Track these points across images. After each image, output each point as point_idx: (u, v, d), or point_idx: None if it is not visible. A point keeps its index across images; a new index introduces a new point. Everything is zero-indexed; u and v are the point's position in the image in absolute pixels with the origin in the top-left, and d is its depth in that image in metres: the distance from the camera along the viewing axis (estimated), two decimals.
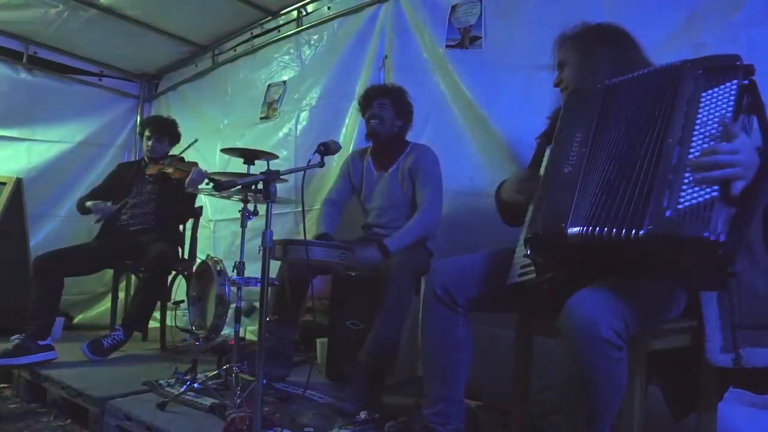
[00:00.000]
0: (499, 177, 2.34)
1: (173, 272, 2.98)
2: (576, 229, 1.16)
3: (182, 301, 2.56)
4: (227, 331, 2.36)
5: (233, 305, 2.11)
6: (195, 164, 2.89)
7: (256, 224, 2.18)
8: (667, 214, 1.03)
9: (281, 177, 1.56)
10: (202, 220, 3.32)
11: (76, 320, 3.80)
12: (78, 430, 2.05)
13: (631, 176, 1.14)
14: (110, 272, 3.40)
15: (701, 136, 1.07)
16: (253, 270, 2.09)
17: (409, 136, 2.51)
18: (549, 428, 1.77)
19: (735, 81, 1.09)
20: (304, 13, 3.48)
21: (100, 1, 3.40)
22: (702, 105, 1.10)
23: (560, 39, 1.57)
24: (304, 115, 3.30)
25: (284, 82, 3.49)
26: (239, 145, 3.51)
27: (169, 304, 2.96)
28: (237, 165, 2.60)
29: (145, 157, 3.14)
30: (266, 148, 2.78)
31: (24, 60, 3.81)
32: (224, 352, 2.39)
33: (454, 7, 2.66)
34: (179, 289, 3.03)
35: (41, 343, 2.44)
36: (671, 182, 1.06)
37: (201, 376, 2.07)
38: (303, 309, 2.53)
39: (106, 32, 3.71)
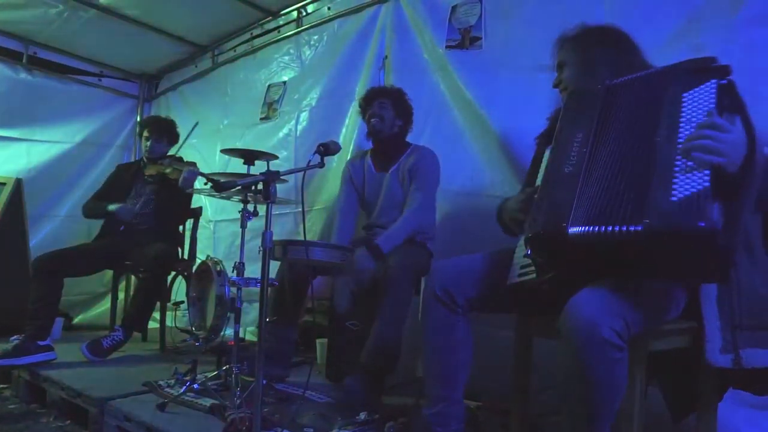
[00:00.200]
0: (499, 177, 2.37)
1: (173, 273, 2.98)
2: (577, 229, 1.16)
3: (182, 302, 2.56)
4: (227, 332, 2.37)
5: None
6: (193, 164, 2.89)
7: (256, 225, 2.18)
8: (663, 207, 1.05)
9: (281, 177, 1.56)
10: (202, 221, 3.32)
11: (75, 321, 3.80)
12: (78, 431, 2.04)
13: (629, 175, 1.16)
14: (110, 273, 3.40)
15: (687, 133, 1.10)
16: (253, 270, 2.09)
17: (409, 137, 2.51)
18: (549, 428, 1.77)
19: (713, 81, 1.13)
20: (304, 14, 3.48)
21: (100, 1, 3.40)
22: (684, 104, 1.15)
23: (560, 40, 1.58)
24: (304, 115, 3.30)
25: (284, 82, 3.49)
26: (239, 145, 3.51)
27: (169, 304, 2.96)
28: (237, 165, 2.60)
29: (144, 158, 3.14)
30: (266, 149, 2.78)
31: (24, 60, 3.81)
32: (224, 353, 2.39)
33: (454, 8, 2.66)
34: (179, 289, 3.03)
35: (41, 343, 2.44)
36: (663, 177, 1.08)
37: (201, 376, 2.07)
38: (303, 309, 2.53)
39: (106, 32, 3.72)
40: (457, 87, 2.57)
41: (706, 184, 1.02)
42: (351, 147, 2.94)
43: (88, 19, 3.55)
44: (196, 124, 3.07)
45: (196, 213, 3.21)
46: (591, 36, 1.51)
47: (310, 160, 1.58)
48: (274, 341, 2.25)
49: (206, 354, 2.45)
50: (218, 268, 2.17)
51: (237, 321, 2.08)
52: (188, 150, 3.47)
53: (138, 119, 4.45)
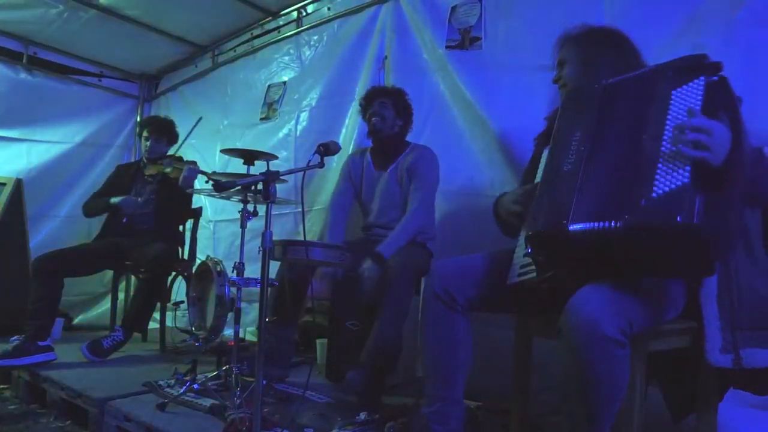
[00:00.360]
0: (499, 177, 2.37)
1: (173, 273, 2.98)
2: (578, 226, 1.17)
3: (182, 302, 2.56)
4: (227, 332, 2.37)
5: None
6: (193, 163, 2.89)
7: (255, 225, 2.18)
8: (642, 203, 1.07)
9: (281, 177, 1.56)
10: (202, 221, 3.33)
11: (75, 321, 3.80)
12: (77, 431, 2.04)
13: (621, 173, 1.17)
14: (110, 273, 3.40)
15: (672, 130, 1.11)
16: (253, 271, 2.09)
17: (409, 137, 2.51)
18: (549, 428, 1.77)
19: (702, 78, 1.14)
20: (304, 14, 3.48)
21: (100, 1, 3.40)
22: (672, 102, 1.15)
23: (561, 39, 1.59)
24: (304, 115, 3.30)
25: (284, 82, 3.50)
26: (239, 145, 3.51)
27: (169, 304, 2.96)
28: (237, 165, 2.60)
29: (144, 158, 3.14)
30: (266, 149, 2.78)
31: (24, 60, 3.81)
32: (224, 353, 2.39)
33: (454, 8, 2.66)
34: (179, 289, 3.03)
35: (41, 343, 2.44)
36: (647, 173, 1.10)
37: (201, 376, 2.07)
38: (303, 309, 2.53)
39: (106, 32, 3.72)
40: (457, 87, 2.57)
41: (686, 180, 1.04)
42: (351, 147, 2.93)
43: (88, 20, 3.55)
44: (200, 119, 3.06)
45: (196, 213, 3.21)
46: (592, 36, 1.53)
47: (310, 160, 1.58)
48: (274, 341, 2.25)
49: (206, 354, 2.45)
50: (218, 269, 2.17)
51: (237, 321, 2.08)
52: (188, 150, 3.48)
53: (138, 119, 4.45)
